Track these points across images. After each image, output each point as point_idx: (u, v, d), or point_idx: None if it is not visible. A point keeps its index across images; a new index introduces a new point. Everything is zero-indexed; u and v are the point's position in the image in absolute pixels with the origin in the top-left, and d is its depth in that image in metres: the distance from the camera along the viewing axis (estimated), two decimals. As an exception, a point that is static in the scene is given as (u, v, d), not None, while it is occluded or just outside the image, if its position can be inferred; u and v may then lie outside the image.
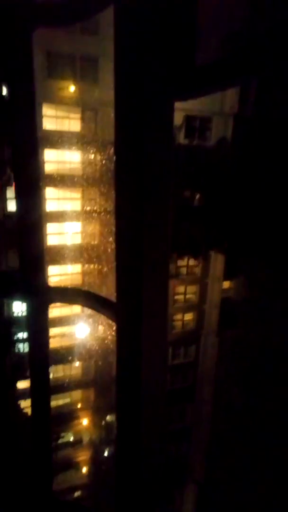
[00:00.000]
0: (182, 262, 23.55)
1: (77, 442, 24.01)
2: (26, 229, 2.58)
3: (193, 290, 24.31)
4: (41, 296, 2.64)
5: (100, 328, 20.17)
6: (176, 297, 24.03)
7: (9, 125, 2.35)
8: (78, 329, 20.12)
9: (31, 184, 2.48)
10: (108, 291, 20.38)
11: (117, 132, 2.00)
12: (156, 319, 2.17)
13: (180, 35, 1.82)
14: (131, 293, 2.15)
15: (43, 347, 2.82)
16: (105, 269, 20.48)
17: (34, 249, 2.61)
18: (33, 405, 2.86)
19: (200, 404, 26.64)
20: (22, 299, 2.76)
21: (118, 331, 2.28)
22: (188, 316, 24.82)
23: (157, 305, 2.16)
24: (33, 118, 2.41)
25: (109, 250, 20.07)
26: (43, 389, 2.91)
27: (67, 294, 3.02)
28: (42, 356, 2.83)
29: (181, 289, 24.05)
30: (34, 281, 2.61)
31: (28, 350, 2.79)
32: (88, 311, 21.31)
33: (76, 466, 24.10)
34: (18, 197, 2.51)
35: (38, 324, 2.73)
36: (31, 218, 2.55)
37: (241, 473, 27.58)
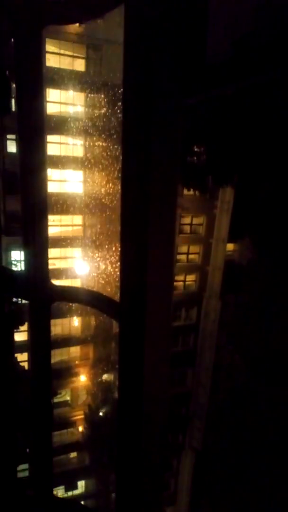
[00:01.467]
0: (186, 220, 22.96)
1: (74, 400, 23.70)
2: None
3: (196, 250, 23.74)
4: (44, 294, 2.61)
5: (102, 266, 19.67)
6: (179, 256, 23.46)
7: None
8: (77, 266, 19.66)
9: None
10: (110, 244, 19.92)
11: (125, 128, 1.98)
12: (160, 322, 2.15)
13: (191, 34, 2.09)
14: (135, 295, 2.10)
15: (45, 344, 2.79)
16: (107, 223, 19.96)
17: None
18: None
19: (200, 369, 26.22)
20: (25, 296, 2.74)
21: (121, 331, 2.27)
22: (191, 277, 24.27)
23: (161, 308, 2.13)
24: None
25: (112, 202, 19.48)
26: (45, 389, 2.94)
27: (69, 293, 3.00)
28: (43, 351, 2.81)
29: (184, 248, 23.47)
30: (37, 279, 2.59)
31: (30, 346, 2.97)
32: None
33: (72, 425, 23.82)
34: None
35: (40, 321, 2.70)
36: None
37: (240, 440, 27.25)
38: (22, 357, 20.36)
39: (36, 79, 2.33)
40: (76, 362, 22.70)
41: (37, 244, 2.59)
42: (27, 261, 2.60)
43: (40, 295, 2.59)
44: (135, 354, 2.18)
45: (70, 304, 21.68)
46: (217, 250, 23.57)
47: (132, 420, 2.32)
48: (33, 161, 2.45)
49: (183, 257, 23.68)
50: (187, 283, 24.34)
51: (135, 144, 1.95)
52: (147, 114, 1.85)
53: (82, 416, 23.60)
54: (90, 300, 2.73)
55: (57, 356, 22.26)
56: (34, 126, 2.39)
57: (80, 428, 23.58)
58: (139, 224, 2.00)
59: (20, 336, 20.15)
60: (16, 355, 19.47)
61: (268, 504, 26.82)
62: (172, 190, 2.04)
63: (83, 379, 22.55)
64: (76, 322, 22.78)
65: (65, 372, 22.30)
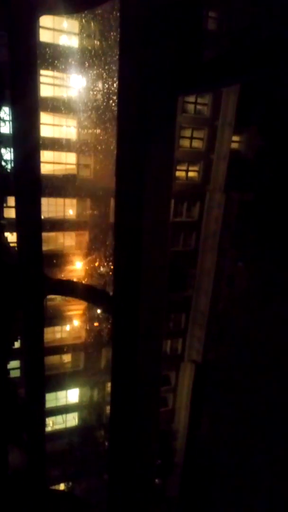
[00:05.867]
0: (190, 98, 21.23)
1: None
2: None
3: (200, 135, 22.08)
4: (37, 288, 2.62)
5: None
6: (181, 141, 21.82)
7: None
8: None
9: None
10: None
11: (120, 125, 1.95)
12: (154, 316, 2.11)
13: (187, 30, 1.79)
14: (128, 289, 2.10)
15: (38, 336, 2.76)
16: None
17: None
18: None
19: (201, 273, 24.90)
20: (18, 290, 2.67)
21: (114, 325, 2.26)
22: (194, 168, 22.68)
23: (155, 302, 2.10)
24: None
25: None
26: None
27: (63, 286, 3.10)
28: (36, 346, 2.77)
29: (187, 132, 21.80)
30: (30, 272, 2.58)
31: (22, 339, 2.74)
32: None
33: (67, 321, 22.56)
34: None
35: (33, 315, 2.66)
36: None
37: (241, 351, 26.19)
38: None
39: (30, 70, 2.32)
40: (72, 251, 21.24)
41: (30, 235, 2.53)
42: (19, 253, 2.55)
43: (34, 288, 2.57)
44: (128, 349, 2.14)
45: (66, 193, 20.10)
46: (223, 136, 21.90)
47: (125, 420, 2.26)
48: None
49: (186, 142, 22.03)
50: (189, 174, 22.76)
51: (130, 140, 1.91)
52: (142, 110, 1.80)
53: (77, 312, 22.31)
54: (83, 293, 2.70)
55: (51, 244, 20.78)
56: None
57: (76, 322, 22.33)
58: (133, 218, 1.96)
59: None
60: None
61: (269, 419, 25.96)
62: (166, 189, 1.96)
63: (78, 266, 21.11)
64: (71, 212, 21.26)
65: (60, 262, 20.86)
